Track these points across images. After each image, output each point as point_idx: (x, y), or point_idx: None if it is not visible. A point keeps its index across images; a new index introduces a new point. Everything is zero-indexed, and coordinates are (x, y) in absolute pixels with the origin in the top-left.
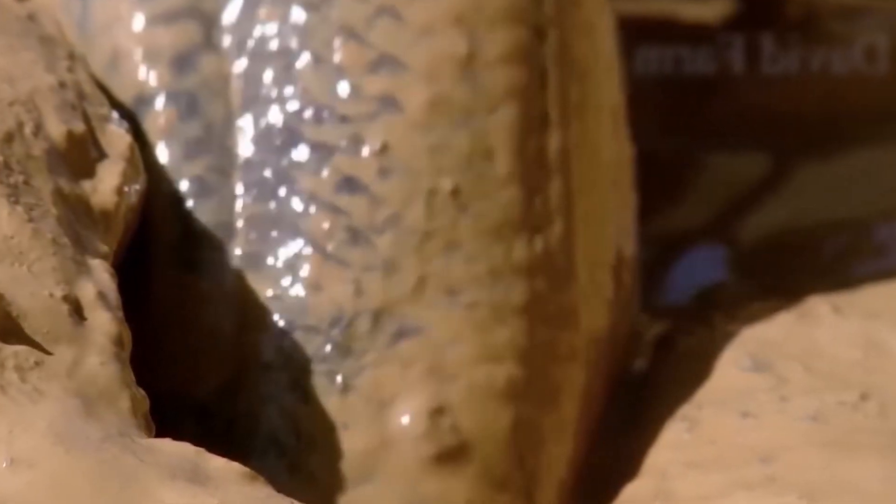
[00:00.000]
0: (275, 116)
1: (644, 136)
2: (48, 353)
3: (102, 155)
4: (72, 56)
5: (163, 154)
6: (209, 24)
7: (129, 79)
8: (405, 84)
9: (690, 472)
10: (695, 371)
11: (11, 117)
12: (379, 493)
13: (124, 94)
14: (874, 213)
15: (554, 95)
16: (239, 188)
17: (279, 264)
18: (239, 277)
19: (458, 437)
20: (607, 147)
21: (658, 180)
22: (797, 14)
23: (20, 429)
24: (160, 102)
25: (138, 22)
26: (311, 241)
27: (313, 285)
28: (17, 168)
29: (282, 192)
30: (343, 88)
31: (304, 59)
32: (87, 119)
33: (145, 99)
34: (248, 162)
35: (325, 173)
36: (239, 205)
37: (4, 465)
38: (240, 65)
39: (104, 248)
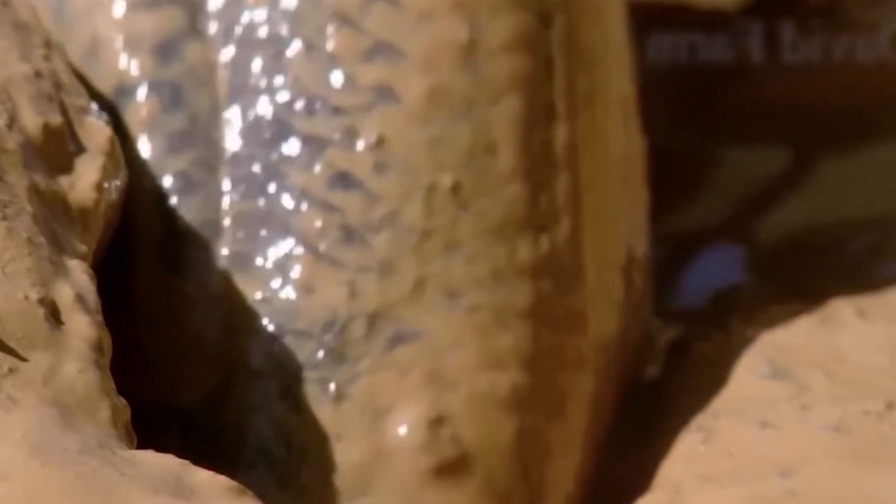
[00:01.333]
0: (264, 108)
1: (656, 129)
2: (23, 360)
3: (81, 149)
4: (48, 43)
5: (145, 148)
6: (194, 9)
7: (109, 68)
8: (402, 73)
9: (706, 485)
10: (710, 378)
11: None
12: None
13: (104, 84)
14: None
15: (560, 86)
16: (226, 184)
17: (268, 265)
18: (226, 279)
19: (459, 449)
20: (617, 141)
21: (671, 176)
22: None
23: None
24: (142, 93)
25: (119, 7)
26: (303, 240)
27: (305, 287)
28: None
29: (271, 188)
30: (336, 78)
31: (295, 47)
32: (64, 111)
33: (126, 89)
34: (235, 156)
35: (317, 168)
36: (226, 202)
37: None
38: (227, 53)
39: (82, 248)
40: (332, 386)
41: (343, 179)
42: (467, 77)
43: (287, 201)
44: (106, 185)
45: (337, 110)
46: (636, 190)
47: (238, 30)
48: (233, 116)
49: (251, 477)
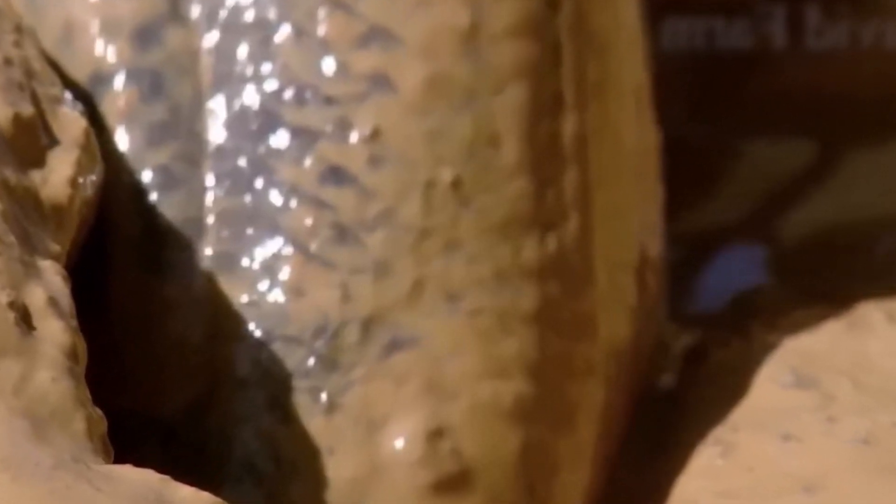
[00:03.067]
0: (250, 97)
1: (672, 120)
2: None
3: (54, 141)
4: (19, 29)
5: (123, 140)
6: None
7: (84, 54)
8: (399, 61)
9: (724, 502)
10: (729, 388)
11: None
12: None
13: (79, 72)
14: None
15: (569, 74)
16: (209, 179)
17: (255, 266)
18: (209, 281)
19: (460, 463)
20: (630, 133)
21: (688, 170)
22: None
23: None
24: (120, 81)
25: None
26: (292, 239)
27: (294, 290)
28: None
29: (258, 183)
30: (328, 65)
31: (283, 32)
32: (36, 101)
33: (103, 77)
34: (219, 149)
35: (307, 162)
36: (209, 198)
37: None
38: (210, 38)
39: (56, 248)
40: (324, 396)
41: (335, 174)
42: (469, 64)
43: (275, 198)
44: (81, 180)
45: (329, 100)
46: (650, 185)
47: (223, 13)
48: (217, 107)
49: (237, 493)
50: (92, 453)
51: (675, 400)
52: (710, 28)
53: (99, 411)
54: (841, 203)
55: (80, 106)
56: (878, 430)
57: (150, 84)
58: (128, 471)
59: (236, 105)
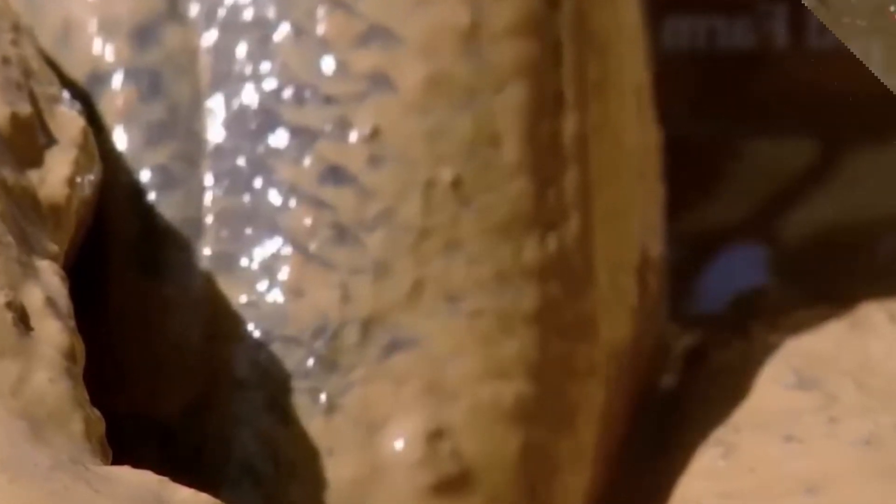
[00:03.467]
0: (249, 97)
1: (673, 119)
2: None
3: (51, 141)
4: (17, 27)
5: (121, 140)
6: None
7: (82, 54)
8: (399, 60)
9: (726, 503)
10: (731, 389)
11: None
12: None
13: (77, 72)
14: None
15: (569, 73)
16: (208, 179)
17: (254, 266)
18: (208, 281)
19: (460, 464)
20: (631, 132)
21: (689, 170)
22: None
23: None
24: (118, 81)
25: None
26: (291, 239)
27: (293, 290)
28: None
29: (257, 183)
30: (328, 64)
31: (283, 31)
32: (34, 100)
33: (101, 77)
34: (218, 149)
35: (306, 162)
36: (208, 198)
37: None
38: (209, 37)
39: (54, 248)
40: (323, 397)
41: (335, 174)
42: (469, 63)
43: (274, 197)
44: (79, 179)
45: (328, 99)
46: (651, 185)
47: (221, 12)
48: (216, 106)
49: (236, 494)
50: (90, 454)
51: (676, 401)
52: (711, 27)
53: (97, 412)
54: (843, 203)
55: (78, 105)
56: (881, 431)
57: (148, 83)
58: (126, 472)
59: (235, 104)
